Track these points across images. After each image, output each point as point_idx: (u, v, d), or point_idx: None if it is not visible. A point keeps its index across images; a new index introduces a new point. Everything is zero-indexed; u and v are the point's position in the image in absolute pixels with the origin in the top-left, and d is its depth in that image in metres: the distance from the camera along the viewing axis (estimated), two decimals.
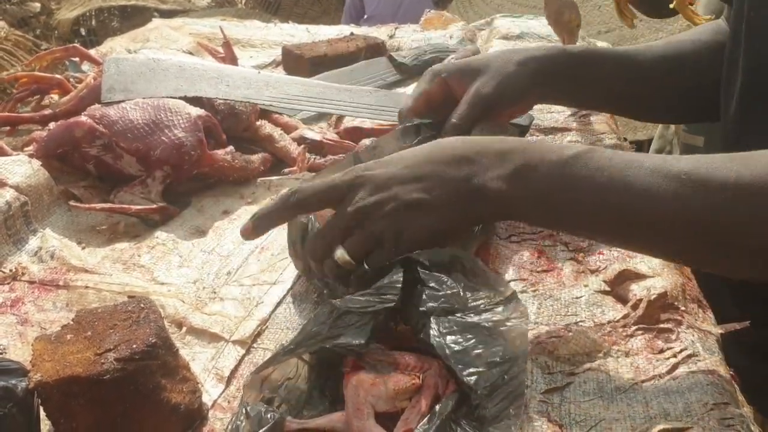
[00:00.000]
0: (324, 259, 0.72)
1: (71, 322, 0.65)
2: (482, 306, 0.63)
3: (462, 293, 0.64)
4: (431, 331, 0.61)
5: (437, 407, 0.58)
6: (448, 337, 0.61)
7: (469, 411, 0.58)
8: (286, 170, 1.10)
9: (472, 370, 0.59)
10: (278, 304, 0.82)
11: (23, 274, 0.88)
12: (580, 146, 0.68)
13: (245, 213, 1.02)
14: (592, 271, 0.81)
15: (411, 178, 0.69)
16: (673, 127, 1.55)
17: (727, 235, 0.62)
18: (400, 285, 0.64)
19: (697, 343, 0.69)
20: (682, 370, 0.66)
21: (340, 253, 0.69)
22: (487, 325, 0.61)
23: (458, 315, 0.62)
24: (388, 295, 0.64)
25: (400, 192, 0.68)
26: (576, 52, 0.97)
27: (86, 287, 0.84)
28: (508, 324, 0.61)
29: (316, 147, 1.15)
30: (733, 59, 0.88)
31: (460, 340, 0.61)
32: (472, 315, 0.62)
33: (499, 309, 0.63)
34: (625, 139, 1.24)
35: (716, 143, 0.95)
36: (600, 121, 1.25)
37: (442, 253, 0.68)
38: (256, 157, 1.10)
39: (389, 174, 0.69)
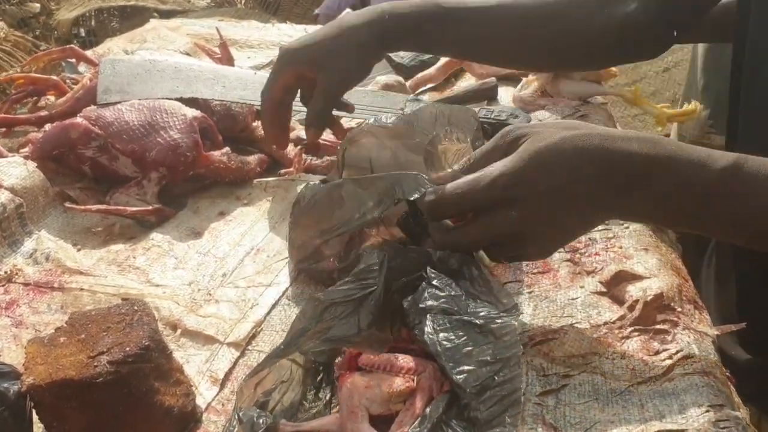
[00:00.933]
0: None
1: (65, 325, 0.65)
2: (481, 313, 0.63)
3: (464, 298, 0.64)
4: (426, 328, 0.62)
5: (428, 409, 0.58)
6: (441, 335, 0.61)
7: (459, 411, 0.58)
8: (283, 171, 1.10)
9: (462, 368, 0.59)
10: (273, 306, 0.82)
11: (18, 276, 0.88)
12: (726, 159, 0.65)
13: (241, 214, 1.02)
14: (588, 273, 0.81)
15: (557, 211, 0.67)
16: (694, 129, 1.55)
17: None
18: (377, 268, 0.64)
19: (693, 345, 0.69)
20: (677, 371, 0.66)
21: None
22: (478, 322, 0.61)
23: (455, 316, 0.62)
24: (369, 281, 0.64)
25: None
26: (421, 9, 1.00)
27: (81, 289, 0.84)
28: (498, 321, 0.61)
29: (312, 148, 1.15)
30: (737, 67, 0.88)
31: (452, 337, 0.61)
32: (465, 315, 0.62)
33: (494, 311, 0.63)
34: None
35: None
36: (598, 120, 1.25)
37: (453, 256, 0.68)
38: (253, 158, 1.10)
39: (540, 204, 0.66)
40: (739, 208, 0.65)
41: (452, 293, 0.65)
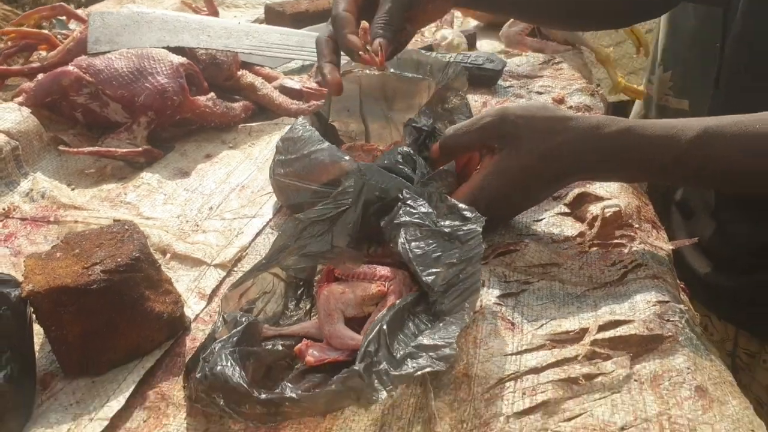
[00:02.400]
0: None
1: (60, 243, 0.70)
2: (448, 224, 0.68)
3: (435, 215, 0.69)
4: (400, 239, 0.67)
5: (396, 302, 0.63)
6: (413, 243, 0.66)
7: (427, 307, 0.63)
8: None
9: (430, 271, 0.64)
10: (258, 234, 0.87)
11: (15, 212, 0.92)
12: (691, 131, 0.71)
13: (227, 156, 1.06)
14: (554, 199, 0.85)
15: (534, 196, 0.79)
16: (655, 92, 1.59)
17: None
18: (352, 190, 0.69)
19: (647, 256, 0.74)
20: (630, 277, 0.71)
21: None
22: (446, 230, 0.66)
23: (425, 227, 0.67)
24: (343, 200, 0.69)
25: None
26: None
27: (75, 222, 0.89)
28: (464, 229, 0.66)
29: (295, 95, 1.20)
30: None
31: (422, 245, 0.66)
32: (435, 226, 0.67)
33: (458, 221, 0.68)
34: (598, 85, 1.28)
35: (702, 107, 1.01)
36: (571, 67, 1.29)
37: (427, 185, 0.75)
38: (238, 105, 1.14)
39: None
40: (706, 173, 0.72)
41: (424, 210, 0.70)
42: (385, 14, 0.85)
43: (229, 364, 0.57)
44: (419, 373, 0.55)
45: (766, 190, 0.74)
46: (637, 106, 1.77)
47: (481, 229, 0.66)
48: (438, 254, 0.65)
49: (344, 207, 0.71)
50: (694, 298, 1.08)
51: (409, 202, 0.71)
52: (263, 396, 0.55)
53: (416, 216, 0.70)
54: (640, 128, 0.72)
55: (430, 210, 0.70)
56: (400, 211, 0.71)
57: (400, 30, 0.87)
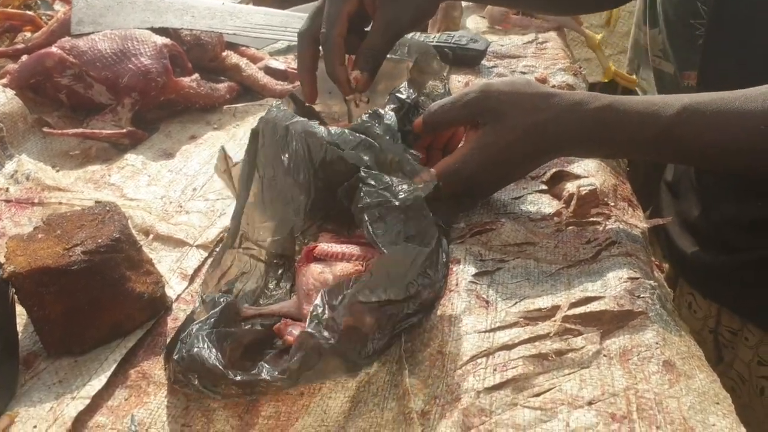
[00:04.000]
0: None
1: (42, 224, 0.71)
2: (400, 196, 0.68)
3: (393, 185, 0.69)
4: (365, 223, 0.67)
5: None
6: (374, 225, 0.66)
7: None
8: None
9: (395, 248, 0.64)
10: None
11: (0, 194, 0.93)
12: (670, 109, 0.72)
13: (211, 138, 1.07)
14: (533, 177, 0.86)
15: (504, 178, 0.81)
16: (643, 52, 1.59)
17: None
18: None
19: (622, 234, 0.75)
20: (604, 255, 0.72)
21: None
22: (397, 204, 0.67)
23: (384, 204, 0.68)
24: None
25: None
26: None
27: (60, 203, 0.90)
28: (410, 198, 0.67)
29: (281, 76, 1.20)
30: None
31: (383, 225, 0.66)
32: (394, 200, 0.67)
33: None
34: (580, 67, 1.28)
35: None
36: (555, 47, 1.30)
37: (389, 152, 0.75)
38: (222, 86, 1.15)
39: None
40: (686, 150, 0.74)
41: (384, 185, 0.70)
42: (371, 49, 0.85)
43: (205, 346, 0.58)
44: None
45: (743, 168, 0.76)
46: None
47: (422, 193, 0.67)
48: (398, 230, 0.65)
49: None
50: (681, 276, 1.10)
51: (369, 180, 0.71)
52: (238, 378, 0.56)
53: (375, 195, 0.69)
54: (621, 105, 0.73)
55: (390, 181, 0.70)
56: (362, 194, 0.70)
57: (383, 59, 0.87)
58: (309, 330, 0.59)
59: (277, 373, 0.58)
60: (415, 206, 0.66)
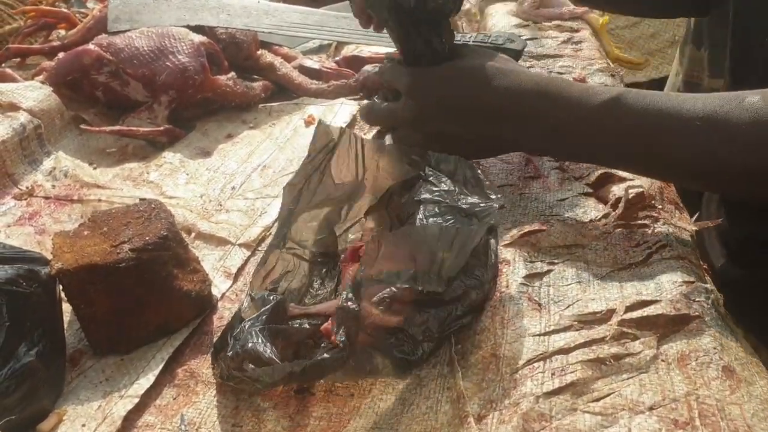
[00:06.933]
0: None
1: (87, 221, 0.70)
2: (468, 200, 0.68)
3: (456, 192, 0.69)
4: (418, 215, 0.67)
5: None
6: (430, 220, 0.66)
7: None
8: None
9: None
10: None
11: (39, 190, 0.93)
12: (608, 94, 0.71)
13: (247, 136, 1.06)
14: (576, 178, 0.85)
15: (456, 113, 0.76)
16: (680, 73, 1.57)
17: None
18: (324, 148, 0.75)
19: (672, 237, 0.73)
20: (655, 258, 0.71)
21: (389, 140, 0.80)
22: (464, 207, 0.67)
23: (444, 204, 0.67)
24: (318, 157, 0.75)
25: (441, 119, 0.77)
26: None
27: (99, 200, 0.89)
28: (482, 206, 0.66)
29: (314, 75, 1.20)
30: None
31: (440, 221, 0.66)
32: (454, 203, 0.67)
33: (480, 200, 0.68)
34: (618, 69, 1.27)
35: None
36: (590, 47, 1.28)
37: (448, 159, 0.74)
38: (257, 84, 1.14)
39: (435, 98, 0.77)
40: (619, 138, 0.71)
41: (446, 188, 0.70)
42: None
43: (260, 341, 0.57)
44: None
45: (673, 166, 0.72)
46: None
47: (498, 206, 0.66)
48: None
49: (328, 152, 0.74)
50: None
51: (431, 179, 0.72)
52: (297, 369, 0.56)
53: (436, 193, 0.70)
54: (563, 84, 0.73)
55: (453, 188, 0.70)
56: (421, 189, 0.71)
57: None
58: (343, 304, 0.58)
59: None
60: (483, 215, 0.66)
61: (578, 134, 0.72)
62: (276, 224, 0.84)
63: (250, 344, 0.57)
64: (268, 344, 0.57)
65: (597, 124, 0.71)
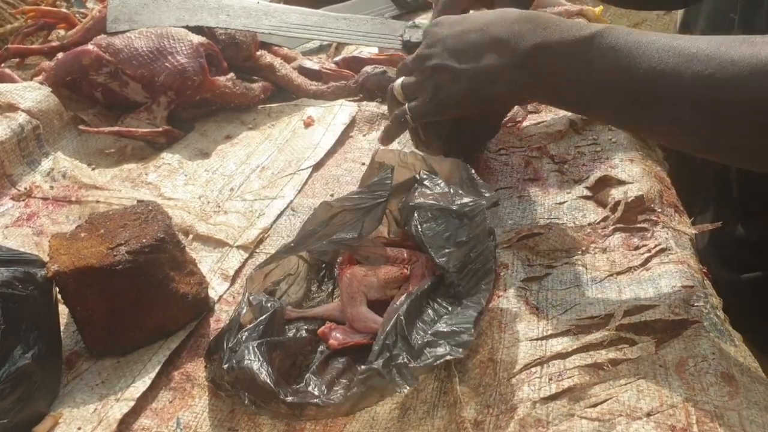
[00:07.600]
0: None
1: (84, 223, 0.70)
2: (458, 202, 0.68)
3: (451, 193, 0.69)
4: (413, 221, 0.66)
5: (415, 288, 0.63)
6: (424, 225, 0.66)
7: (445, 290, 0.63)
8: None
9: (443, 251, 0.64)
10: (279, 215, 0.87)
11: (37, 191, 0.93)
12: (599, 26, 0.66)
13: (246, 137, 1.06)
14: (575, 181, 0.85)
15: (454, 47, 0.74)
16: None
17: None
18: (389, 182, 0.69)
19: (671, 240, 0.73)
20: (654, 262, 0.70)
21: (397, 84, 0.78)
22: (454, 208, 0.66)
23: (437, 207, 0.67)
24: (379, 192, 0.68)
25: (442, 54, 0.74)
26: None
27: (97, 202, 0.89)
28: (470, 205, 0.66)
29: (314, 76, 1.19)
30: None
31: (434, 226, 0.66)
32: (450, 205, 0.67)
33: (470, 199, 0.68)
34: None
35: None
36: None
37: (443, 161, 0.73)
38: (257, 85, 1.14)
39: (443, 35, 0.75)
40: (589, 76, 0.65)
41: (439, 190, 0.70)
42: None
43: (256, 359, 0.57)
44: (438, 362, 0.55)
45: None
46: None
47: (486, 204, 0.66)
48: (448, 234, 0.65)
49: (380, 199, 0.69)
50: None
51: (425, 182, 0.71)
52: (289, 399, 0.55)
53: (430, 197, 0.69)
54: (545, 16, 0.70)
55: (448, 189, 0.70)
56: (415, 193, 0.70)
57: None
58: (379, 368, 0.56)
59: (325, 385, 0.58)
60: (473, 214, 0.65)
61: (575, 76, 0.66)
62: (273, 225, 0.85)
63: (246, 362, 0.57)
64: (265, 363, 0.57)
65: (583, 51, 0.65)
